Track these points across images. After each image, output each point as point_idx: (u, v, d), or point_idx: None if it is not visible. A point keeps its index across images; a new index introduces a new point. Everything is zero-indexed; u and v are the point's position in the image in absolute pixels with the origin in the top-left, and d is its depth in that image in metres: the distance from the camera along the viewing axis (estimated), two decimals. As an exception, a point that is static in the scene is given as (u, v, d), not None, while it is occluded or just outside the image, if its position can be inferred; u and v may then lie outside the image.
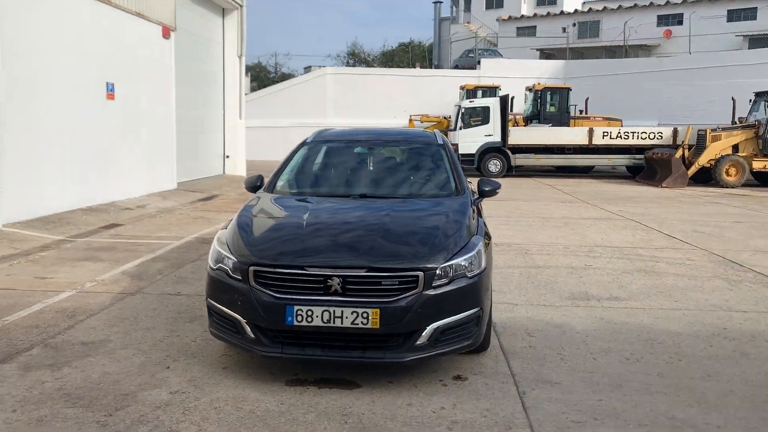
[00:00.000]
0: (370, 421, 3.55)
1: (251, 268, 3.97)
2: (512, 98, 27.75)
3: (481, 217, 5.00)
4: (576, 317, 5.59)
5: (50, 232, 9.28)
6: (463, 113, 22.65)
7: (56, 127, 10.52)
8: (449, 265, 3.99)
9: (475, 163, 22.32)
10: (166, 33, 14.39)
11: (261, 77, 50.05)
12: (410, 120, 28.34)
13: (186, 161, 16.22)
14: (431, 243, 4.11)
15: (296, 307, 3.83)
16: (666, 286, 6.77)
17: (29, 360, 4.38)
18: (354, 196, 5.07)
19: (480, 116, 22.57)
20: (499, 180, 20.54)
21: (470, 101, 23.41)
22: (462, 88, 28.37)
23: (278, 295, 3.88)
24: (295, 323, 3.83)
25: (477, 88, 28.01)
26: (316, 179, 5.58)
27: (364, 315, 3.79)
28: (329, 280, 3.85)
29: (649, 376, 4.26)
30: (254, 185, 5.50)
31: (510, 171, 22.33)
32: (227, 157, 19.79)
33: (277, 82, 38.81)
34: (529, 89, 26.23)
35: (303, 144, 5.92)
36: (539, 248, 8.83)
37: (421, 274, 3.88)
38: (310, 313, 3.82)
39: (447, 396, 3.89)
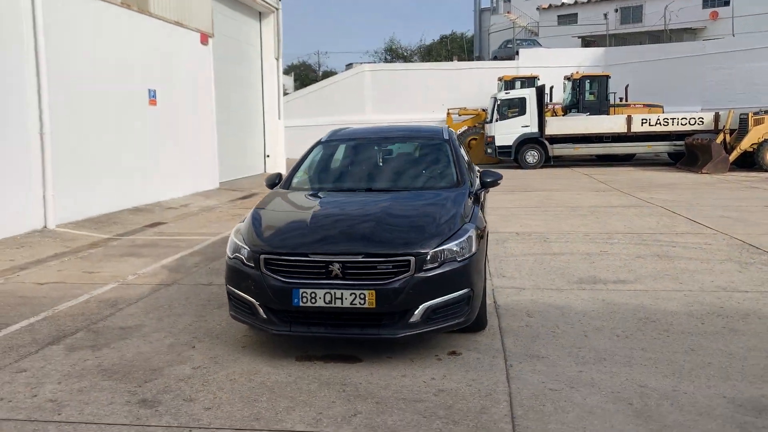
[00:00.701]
0: (365, 389, 3.97)
1: (262, 257, 4.43)
2: (551, 88, 27.75)
3: (478, 205, 5.35)
4: (578, 299, 5.88)
5: (99, 231, 10.01)
6: (499, 105, 22.79)
7: (103, 133, 11.27)
8: (440, 250, 4.37)
9: (513, 154, 22.45)
10: (205, 40, 15.08)
11: (303, 77, 50.93)
12: (448, 114, 28.55)
13: (228, 161, 16.94)
14: (423, 230, 4.50)
15: (301, 290, 4.28)
16: (676, 269, 6.98)
17: (74, 342, 4.96)
18: (361, 190, 5.51)
19: (516, 107, 22.67)
20: (537, 171, 20.69)
21: (506, 93, 23.51)
22: (500, 79, 28.44)
23: (286, 280, 4.34)
24: (301, 304, 4.28)
25: (515, 79, 28.04)
26: (327, 175, 6.03)
27: (362, 296, 4.21)
28: (330, 266, 4.28)
29: (633, 351, 4.55)
30: (273, 182, 5.98)
31: (548, 161, 22.38)
32: (268, 156, 20.47)
33: (320, 80, 39.51)
34: (568, 78, 26.14)
35: (318, 143, 6.38)
36: (559, 236, 9.08)
37: (412, 258, 4.28)
38: (313, 295, 4.26)
39: (439, 369, 4.28)
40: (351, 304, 4.23)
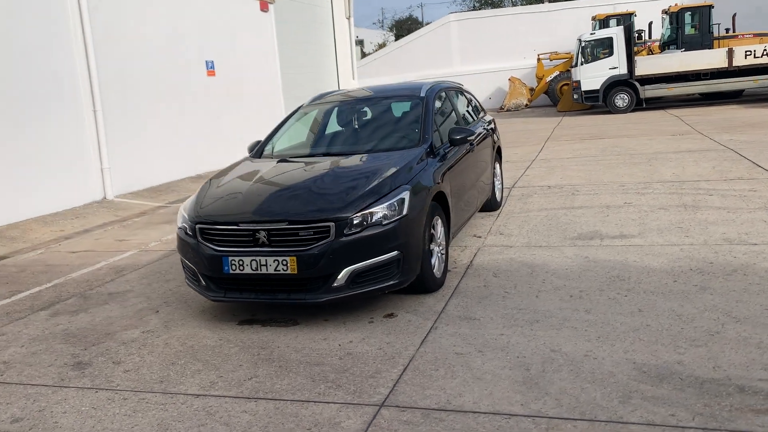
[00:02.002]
0: (279, 353, 4.08)
1: (198, 226, 4.63)
2: (650, 24, 25.84)
3: (437, 164, 5.20)
4: (561, 257, 5.63)
5: (153, 200, 10.69)
6: (583, 47, 21.57)
7: (158, 106, 11.91)
8: (364, 214, 4.35)
9: (600, 98, 21.27)
10: (264, 7, 15.37)
11: (404, 32, 50.56)
12: (538, 59, 27.43)
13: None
14: (350, 194, 4.47)
15: (230, 258, 4.43)
16: (693, 220, 6.46)
17: (61, 308, 5.43)
18: (320, 155, 5.54)
19: (603, 48, 21.36)
20: (626, 115, 19.48)
21: (591, 33, 22.16)
22: (594, 18, 26.82)
23: (217, 248, 4.50)
24: (231, 271, 4.44)
25: (609, 17, 26.30)
26: (296, 142, 6.09)
27: (284, 262, 4.30)
28: (257, 234, 4.40)
29: (575, 312, 4.34)
30: (252, 149, 6.14)
31: (640, 104, 21.01)
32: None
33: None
34: (665, 12, 24.16)
35: (298, 108, 6.44)
36: (593, 188, 8.62)
37: (332, 224, 4.29)
38: (241, 262, 4.40)
39: (363, 332, 4.30)
40: (275, 270, 4.33)
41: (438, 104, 6.13)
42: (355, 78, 20.80)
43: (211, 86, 13.40)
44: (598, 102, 21.43)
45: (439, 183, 5.07)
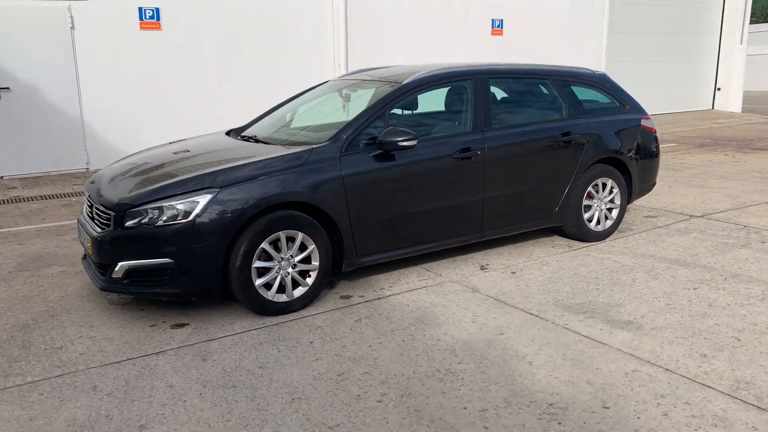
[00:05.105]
0: (56, 336, 4.15)
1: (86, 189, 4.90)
2: None
3: (342, 165, 4.27)
4: (479, 323, 4.09)
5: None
6: None
7: (413, 63, 11.96)
8: (148, 210, 3.99)
9: None
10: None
11: None
12: None
13: (660, 92, 15.50)
14: (145, 186, 4.14)
15: (79, 227, 4.63)
16: (788, 334, 3.82)
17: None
18: (250, 140, 5.08)
19: None
20: None
21: None
22: None
23: (82, 214, 4.74)
24: (80, 240, 4.65)
25: None
26: (279, 121, 5.59)
27: (87, 242, 4.32)
28: (92, 209, 4.47)
29: (275, 400, 3.24)
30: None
31: None
32: (718, 89, 17.08)
33: None
34: None
35: (324, 82, 5.90)
36: (798, 241, 5.65)
37: (112, 213, 4.08)
38: (79, 233, 4.58)
39: (118, 332, 4.01)
40: (87, 247, 4.38)
41: (427, 97, 4.90)
42: (743, 43, 16.79)
43: (494, 46, 12.74)
44: None
45: (306, 193, 4.20)
